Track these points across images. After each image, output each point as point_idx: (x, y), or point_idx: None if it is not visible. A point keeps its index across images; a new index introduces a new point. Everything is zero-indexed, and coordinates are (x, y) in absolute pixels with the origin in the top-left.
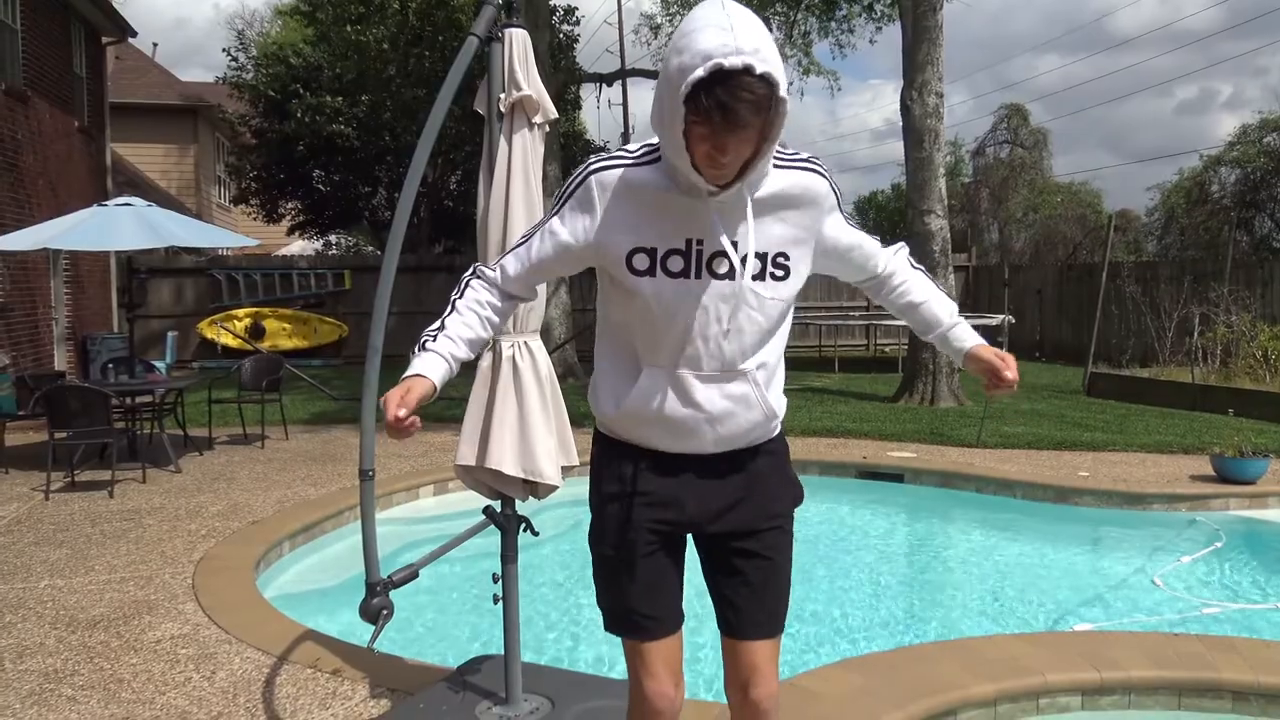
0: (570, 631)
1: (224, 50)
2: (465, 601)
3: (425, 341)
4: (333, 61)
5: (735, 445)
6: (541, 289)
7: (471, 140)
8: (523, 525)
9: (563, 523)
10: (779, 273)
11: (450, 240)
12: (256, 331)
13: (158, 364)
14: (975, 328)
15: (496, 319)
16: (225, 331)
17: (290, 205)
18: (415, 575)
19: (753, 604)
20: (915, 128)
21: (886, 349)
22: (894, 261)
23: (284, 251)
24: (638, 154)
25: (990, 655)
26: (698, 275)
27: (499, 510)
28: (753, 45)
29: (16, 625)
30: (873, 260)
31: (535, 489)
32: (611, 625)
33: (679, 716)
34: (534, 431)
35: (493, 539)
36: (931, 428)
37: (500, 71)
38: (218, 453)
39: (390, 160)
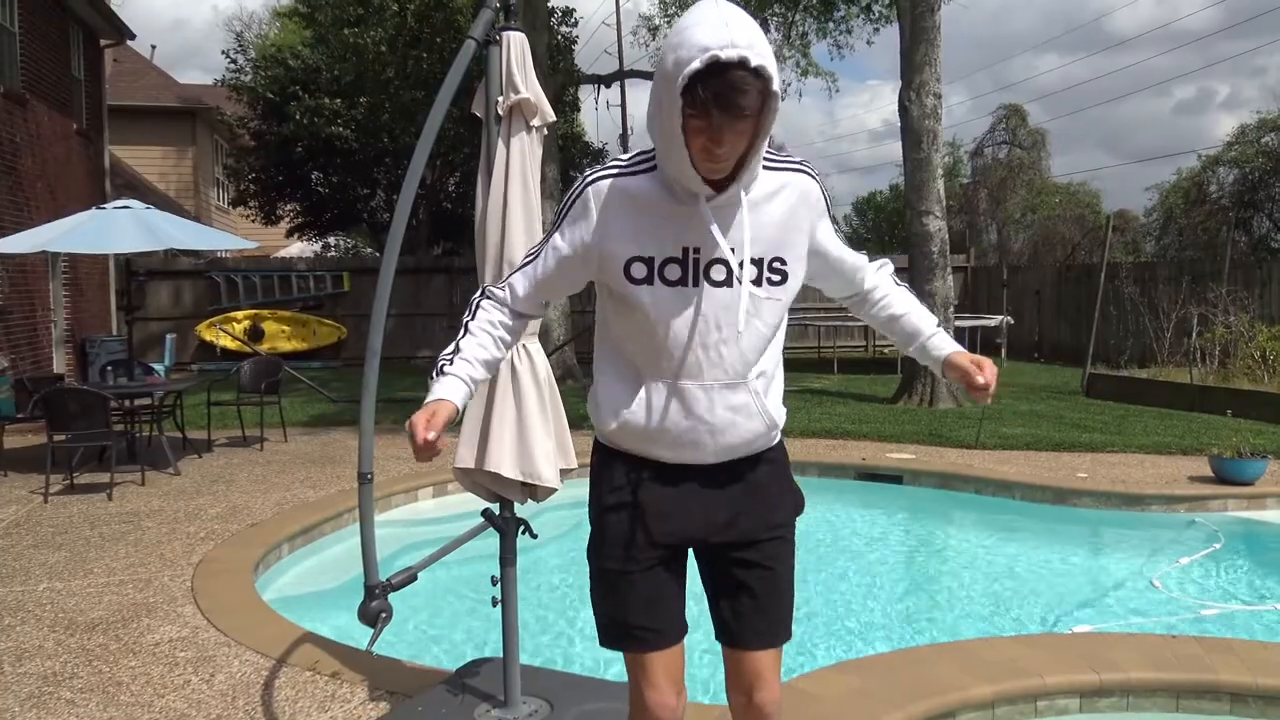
0: (569, 634)
1: (223, 53)
2: (464, 604)
3: (443, 365)
4: (331, 63)
5: (736, 455)
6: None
7: (470, 142)
8: (521, 528)
9: (561, 525)
10: (776, 277)
11: (449, 242)
12: (255, 334)
13: (156, 366)
14: (974, 328)
15: (509, 338)
16: (224, 334)
17: (289, 207)
18: (414, 578)
19: (755, 614)
20: (913, 129)
21: (885, 350)
22: (878, 277)
23: (283, 253)
24: (631, 162)
25: (988, 657)
26: (695, 283)
27: (498, 513)
28: (747, 40)
29: (15, 628)
30: (859, 274)
31: (534, 492)
32: (609, 640)
33: None
34: (532, 434)
35: (491, 541)
36: (930, 429)
37: (498, 74)
38: (216, 455)
39: (389, 162)
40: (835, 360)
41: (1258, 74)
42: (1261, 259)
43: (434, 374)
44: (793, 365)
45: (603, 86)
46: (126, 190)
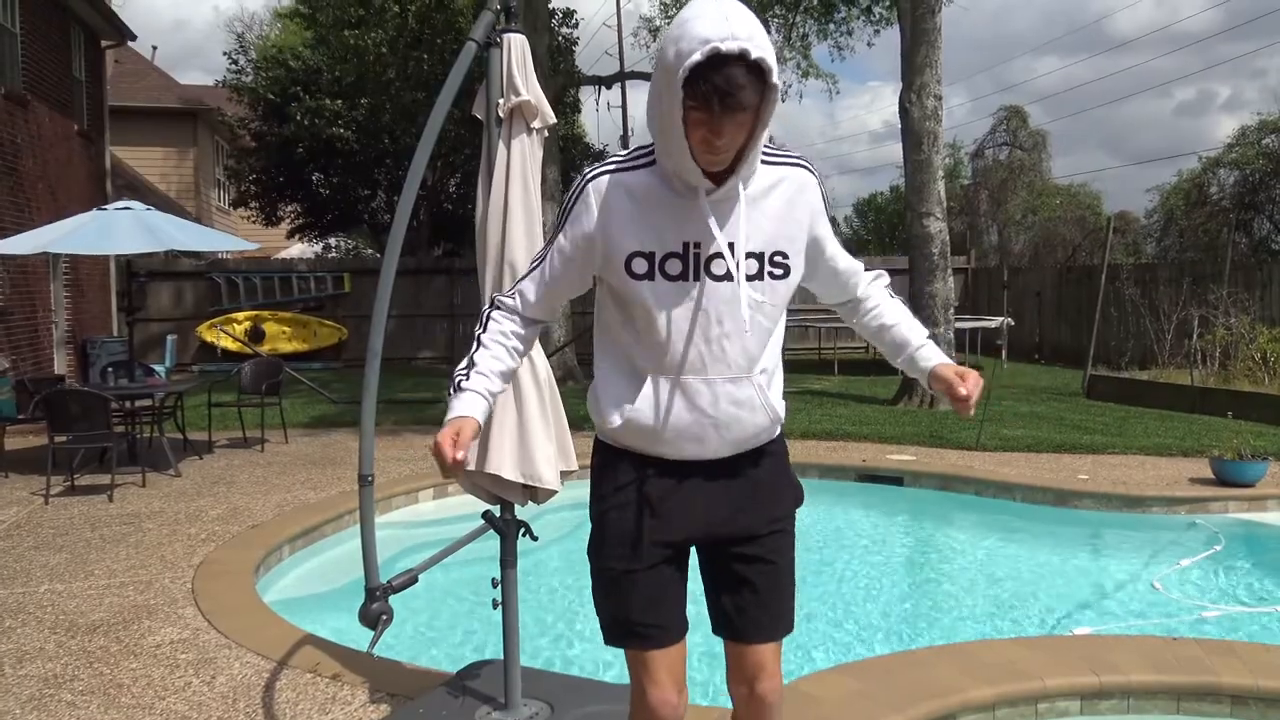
0: (570, 636)
1: (224, 54)
2: (464, 606)
3: (459, 381)
4: (332, 64)
5: (740, 449)
6: None
7: (471, 143)
8: (522, 530)
9: (562, 527)
10: (778, 271)
11: (450, 243)
12: (256, 335)
13: (157, 368)
14: (975, 330)
15: (522, 347)
16: (225, 335)
17: (290, 208)
18: (414, 580)
19: (758, 609)
20: (914, 130)
21: None
22: (872, 287)
23: (283, 254)
24: (630, 157)
25: (988, 659)
26: (696, 278)
27: (498, 515)
28: (747, 32)
29: (16, 630)
30: (853, 278)
31: (534, 494)
32: (612, 639)
33: None
34: (533, 436)
35: (492, 544)
36: (931, 430)
37: (499, 77)
38: (217, 456)
39: (389, 163)
40: (835, 362)
41: (1258, 76)
42: (1262, 261)
43: (451, 390)
44: (793, 366)
45: (603, 88)
46: (127, 191)
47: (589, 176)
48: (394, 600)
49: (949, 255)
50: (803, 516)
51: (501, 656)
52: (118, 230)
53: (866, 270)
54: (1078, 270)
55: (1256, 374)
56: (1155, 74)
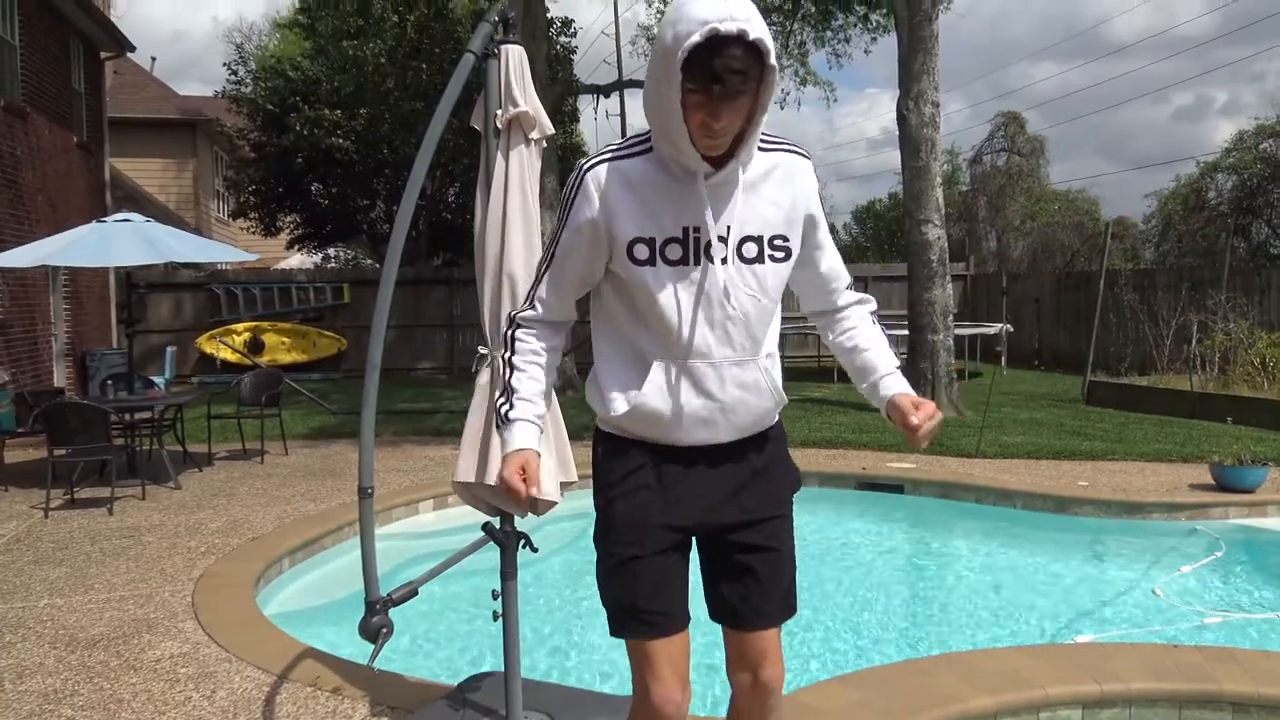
0: (570, 648)
1: (224, 65)
2: (465, 618)
3: (505, 412)
4: (331, 75)
5: (745, 434)
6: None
7: (470, 153)
8: (522, 542)
9: (562, 539)
10: (778, 254)
11: (449, 252)
12: (255, 346)
13: (157, 380)
14: (974, 336)
15: (553, 358)
16: (224, 346)
17: (289, 219)
18: (415, 593)
19: (761, 597)
20: (912, 137)
21: None
22: (856, 308)
23: (283, 265)
24: (626, 145)
25: (989, 668)
26: (696, 262)
27: (498, 527)
28: (745, 13)
29: (16, 645)
30: (834, 284)
31: (534, 505)
32: (618, 627)
33: None
34: None
35: (492, 555)
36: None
37: (497, 88)
38: (217, 469)
39: (389, 173)
40: (835, 369)
41: (1256, 80)
42: (1260, 265)
43: (499, 423)
44: (793, 375)
45: (602, 96)
46: (127, 203)
47: (586, 167)
48: (394, 613)
49: (948, 262)
50: (802, 525)
51: (502, 668)
52: (117, 242)
53: (854, 290)
54: (1076, 276)
55: (1256, 379)
56: (1153, 79)
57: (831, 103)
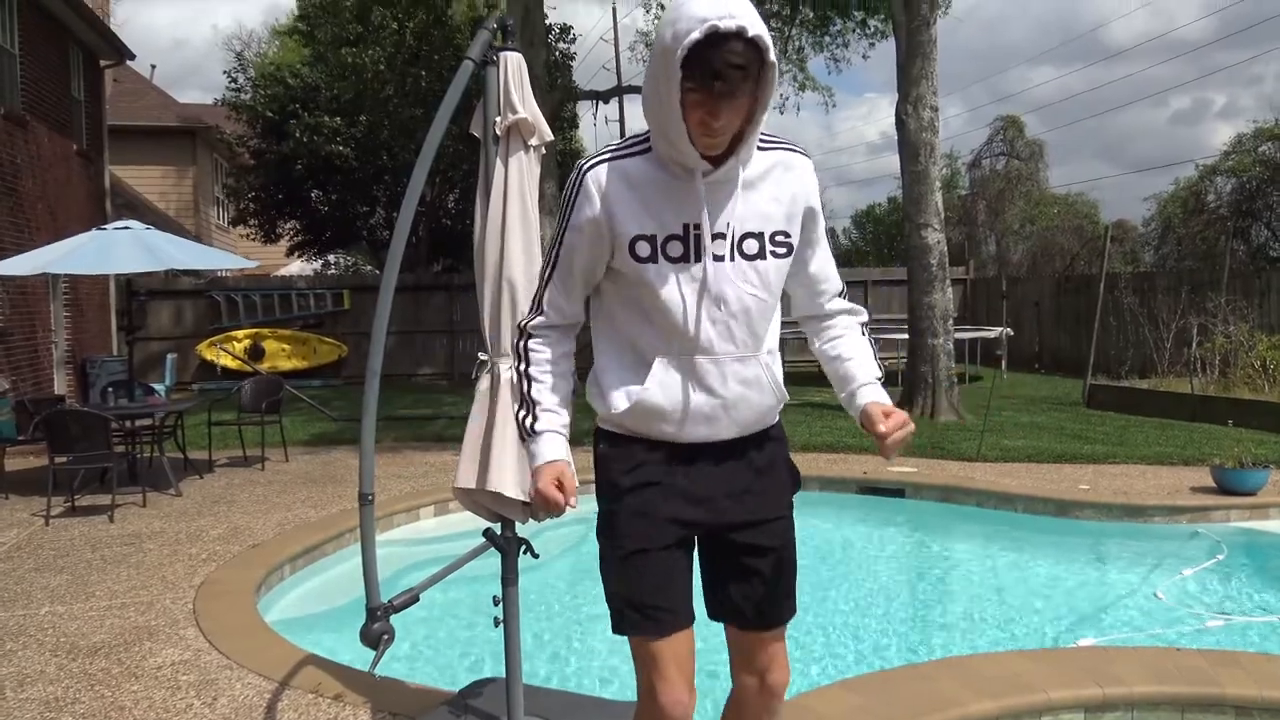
0: (571, 653)
1: (224, 72)
2: (466, 624)
3: (530, 424)
4: (330, 82)
5: (747, 431)
6: None
7: (469, 159)
8: (523, 547)
9: (563, 544)
10: (780, 250)
11: (449, 259)
12: (256, 353)
13: (157, 387)
14: (974, 340)
15: (568, 363)
16: (224, 353)
17: (289, 225)
18: (416, 599)
19: (766, 598)
20: (911, 142)
21: (886, 363)
22: (844, 317)
23: (282, 272)
24: (625, 145)
25: (991, 672)
26: (698, 259)
27: (499, 533)
28: (744, 11)
29: (17, 653)
30: (823, 286)
31: (535, 511)
32: (622, 623)
33: None
34: None
35: (493, 561)
36: (931, 442)
37: (496, 94)
38: (218, 475)
39: (388, 180)
40: None
41: (1254, 83)
42: (1260, 268)
43: (523, 436)
44: (793, 379)
45: (601, 102)
46: (127, 210)
47: (586, 167)
48: (395, 619)
49: (947, 266)
50: (804, 529)
51: (503, 674)
52: (117, 250)
53: (845, 299)
54: (1076, 279)
55: (1256, 381)
56: (1151, 82)
57: (830, 108)
